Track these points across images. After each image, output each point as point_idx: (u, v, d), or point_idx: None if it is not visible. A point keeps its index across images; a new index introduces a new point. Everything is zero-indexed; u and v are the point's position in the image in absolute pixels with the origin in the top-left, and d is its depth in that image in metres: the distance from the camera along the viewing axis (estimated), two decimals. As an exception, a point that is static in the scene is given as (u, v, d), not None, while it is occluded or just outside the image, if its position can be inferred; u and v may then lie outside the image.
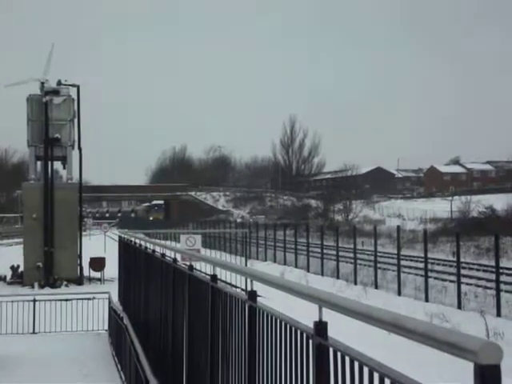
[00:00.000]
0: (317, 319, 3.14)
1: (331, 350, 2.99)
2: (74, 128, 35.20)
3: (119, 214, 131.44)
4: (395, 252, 29.71)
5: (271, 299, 8.62)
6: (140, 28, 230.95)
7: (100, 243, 52.52)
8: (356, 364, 2.70)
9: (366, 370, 2.60)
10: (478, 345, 1.77)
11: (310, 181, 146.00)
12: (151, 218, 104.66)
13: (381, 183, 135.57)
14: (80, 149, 35.12)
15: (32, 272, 32.49)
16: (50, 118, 34.18)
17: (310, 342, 3.22)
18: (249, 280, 4.63)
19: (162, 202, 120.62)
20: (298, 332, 3.41)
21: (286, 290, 3.58)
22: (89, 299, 20.23)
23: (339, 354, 2.90)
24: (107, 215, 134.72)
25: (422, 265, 27.78)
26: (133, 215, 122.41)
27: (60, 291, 27.91)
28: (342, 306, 2.79)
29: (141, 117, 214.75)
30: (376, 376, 2.48)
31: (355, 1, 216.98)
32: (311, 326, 3.20)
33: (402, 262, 29.16)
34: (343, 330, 4.93)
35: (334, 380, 2.96)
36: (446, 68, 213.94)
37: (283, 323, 3.67)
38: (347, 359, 2.80)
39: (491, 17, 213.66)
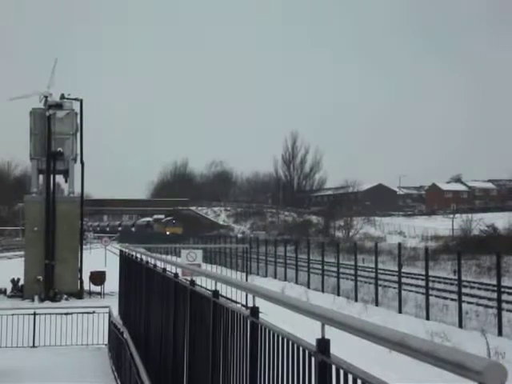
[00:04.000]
0: (319, 336, 3.14)
1: (334, 367, 2.99)
2: (77, 142, 35.25)
3: (133, 229, 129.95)
4: (396, 269, 29.66)
5: (268, 315, 8.59)
6: (140, 42, 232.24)
7: (100, 257, 52.47)
8: (359, 382, 2.69)
9: (368, 387, 2.59)
10: (483, 365, 1.77)
11: (311, 197, 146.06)
12: (168, 233, 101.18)
13: (382, 200, 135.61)
14: (82, 163, 35.16)
15: (32, 285, 32.43)
16: (53, 131, 34.24)
17: (313, 359, 3.21)
18: (250, 296, 4.63)
19: (162, 216, 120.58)
20: (301, 349, 3.40)
21: (289, 307, 3.57)
22: (89, 313, 20.18)
23: (342, 372, 2.89)
24: (120, 228, 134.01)
25: (423, 282, 27.71)
26: (149, 230, 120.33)
27: (60, 305, 27.84)
28: (345, 324, 2.79)
29: (142, 131, 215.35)
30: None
31: (360, 16, 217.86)
32: (313, 342, 3.19)
33: (403, 280, 29.10)
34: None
35: (336, 398, 2.95)
36: (449, 86, 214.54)
37: (285, 340, 3.67)
38: (350, 377, 2.79)
39: (488, 32, 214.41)
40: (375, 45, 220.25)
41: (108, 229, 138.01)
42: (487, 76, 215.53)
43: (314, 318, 3.17)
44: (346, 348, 5.58)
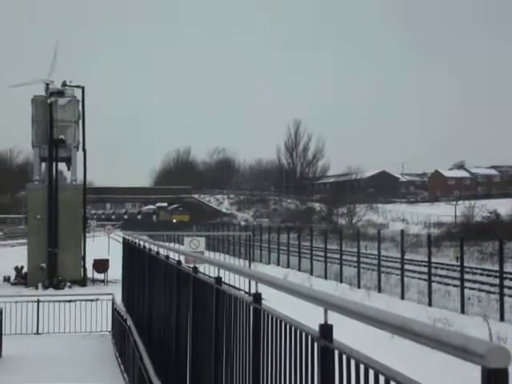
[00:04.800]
0: (322, 322, 3.14)
1: (336, 352, 2.99)
2: (79, 129, 35.17)
3: (139, 216, 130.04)
4: (399, 256, 29.66)
5: (271, 301, 8.61)
6: (141, 30, 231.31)
7: (104, 245, 52.56)
8: (361, 367, 2.69)
9: (371, 372, 2.60)
10: (486, 348, 1.77)
11: (313, 184, 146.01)
12: (175, 221, 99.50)
13: (385, 187, 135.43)
14: (84, 150, 35.10)
15: (36, 273, 32.49)
16: (55, 119, 34.14)
17: (315, 344, 3.21)
18: (253, 282, 4.63)
19: (165, 204, 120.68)
20: (303, 334, 3.40)
21: (292, 293, 3.58)
22: (92, 300, 20.24)
23: (344, 357, 2.90)
24: (125, 216, 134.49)
25: (425, 269, 27.71)
26: (154, 218, 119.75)
27: (63, 292, 27.91)
28: (348, 309, 2.79)
29: (145, 118, 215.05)
30: (382, 379, 2.48)
31: (358, 7, 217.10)
32: (316, 328, 3.19)
33: (406, 266, 29.09)
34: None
35: (339, 383, 2.96)
36: (451, 72, 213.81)
37: (288, 326, 3.67)
38: (352, 362, 2.80)
39: (492, 23, 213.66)
40: (377, 38, 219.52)
41: (113, 217, 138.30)
42: (490, 63, 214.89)
43: (317, 303, 3.17)
44: (348, 333, 5.58)
